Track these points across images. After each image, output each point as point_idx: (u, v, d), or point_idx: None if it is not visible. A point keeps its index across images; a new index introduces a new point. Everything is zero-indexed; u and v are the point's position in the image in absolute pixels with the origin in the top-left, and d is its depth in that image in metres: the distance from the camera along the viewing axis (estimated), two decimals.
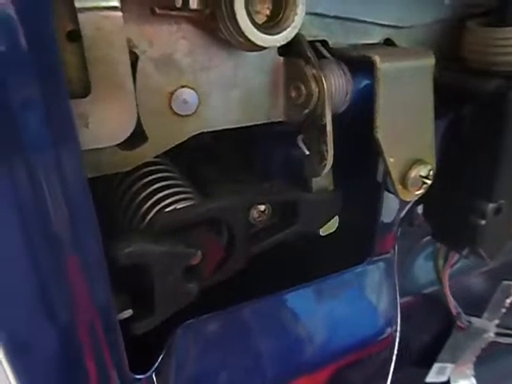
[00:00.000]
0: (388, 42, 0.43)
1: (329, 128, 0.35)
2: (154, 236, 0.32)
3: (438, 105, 0.48)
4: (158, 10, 0.29)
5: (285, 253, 0.44)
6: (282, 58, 0.38)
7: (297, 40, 0.37)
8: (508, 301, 0.85)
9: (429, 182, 0.42)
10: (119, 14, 0.29)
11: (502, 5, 0.43)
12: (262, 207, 0.40)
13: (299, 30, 0.37)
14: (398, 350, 0.60)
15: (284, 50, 0.38)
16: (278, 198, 0.39)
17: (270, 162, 0.47)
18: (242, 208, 0.36)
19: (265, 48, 0.32)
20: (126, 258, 0.29)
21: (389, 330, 0.51)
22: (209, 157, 0.46)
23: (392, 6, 0.41)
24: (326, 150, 0.37)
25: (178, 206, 0.35)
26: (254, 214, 0.40)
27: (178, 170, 0.43)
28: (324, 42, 0.39)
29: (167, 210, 0.35)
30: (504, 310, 0.85)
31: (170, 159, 0.43)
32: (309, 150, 0.38)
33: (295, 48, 0.37)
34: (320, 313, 0.46)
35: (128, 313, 0.31)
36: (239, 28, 0.29)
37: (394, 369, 0.61)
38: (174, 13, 0.29)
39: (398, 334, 0.51)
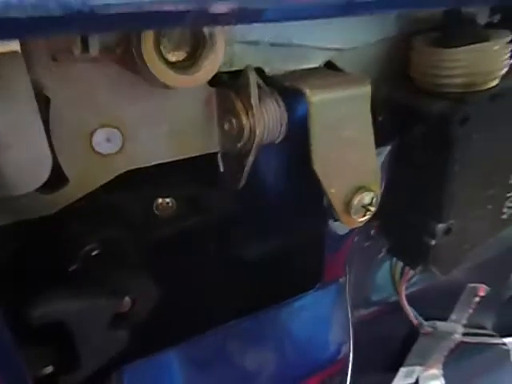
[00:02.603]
0: (329, 65, 0.41)
1: (248, 167, 0.34)
2: (77, 287, 0.31)
3: (388, 125, 0.47)
4: (58, 57, 0.27)
5: (231, 283, 0.43)
6: (213, 89, 0.36)
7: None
8: (475, 301, 0.86)
9: (373, 209, 0.41)
10: (19, 57, 0.27)
11: (449, 24, 0.42)
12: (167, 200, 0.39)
13: (231, 60, 0.35)
14: (364, 358, 0.61)
15: (216, 79, 0.36)
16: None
17: None
18: None
19: None
20: (38, 319, 0.27)
21: (343, 350, 0.51)
22: None
23: (332, 28, 0.40)
24: (241, 180, 0.36)
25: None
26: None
27: None
28: (259, 70, 0.38)
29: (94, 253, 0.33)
30: (471, 311, 0.86)
31: None
32: (225, 168, 0.37)
33: (226, 79, 0.36)
34: (271, 342, 0.45)
35: (49, 369, 0.30)
36: (149, 71, 0.27)
37: (360, 375, 0.62)
38: (76, 57, 0.27)
39: (351, 354, 0.50)
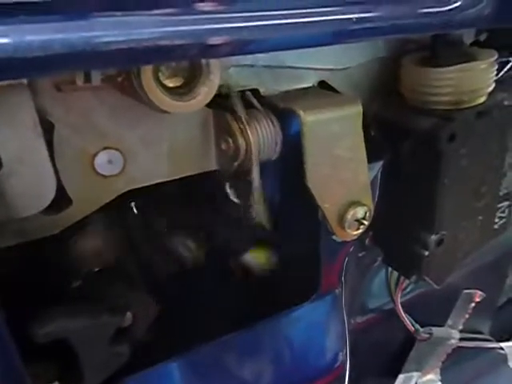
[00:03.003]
0: (322, 85, 0.43)
1: (256, 184, 0.35)
2: (81, 304, 0.32)
3: (379, 140, 0.49)
4: (62, 88, 0.28)
5: (230, 295, 0.44)
6: (211, 110, 0.38)
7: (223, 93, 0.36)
8: (470, 307, 0.87)
9: (366, 223, 0.42)
10: (25, 88, 0.28)
11: (435, 45, 0.43)
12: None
13: (227, 82, 0.37)
14: (361, 365, 0.62)
15: (213, 101, 0.37)
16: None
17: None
18: None
19: None
20: (44, 337, 0.28)
21: (340, 358, 0.52)
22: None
23: (325, 50, 0.41)
24: (254, 204, 0.37)
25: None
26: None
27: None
28: (254, 91, 0.39)
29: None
30: (467, 316, 0.87)
31: None
32: (238, 198, 0.38)
33: (222, 101, 0.37)
34: (269, 352, 0.46)
35: None
36: (148, 98, 0.29)
37: (357, 383, 0.62)
38: (80, 86, 0.29)
39: (348, 361, 0.51)
